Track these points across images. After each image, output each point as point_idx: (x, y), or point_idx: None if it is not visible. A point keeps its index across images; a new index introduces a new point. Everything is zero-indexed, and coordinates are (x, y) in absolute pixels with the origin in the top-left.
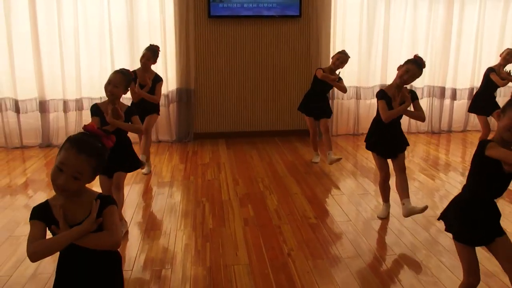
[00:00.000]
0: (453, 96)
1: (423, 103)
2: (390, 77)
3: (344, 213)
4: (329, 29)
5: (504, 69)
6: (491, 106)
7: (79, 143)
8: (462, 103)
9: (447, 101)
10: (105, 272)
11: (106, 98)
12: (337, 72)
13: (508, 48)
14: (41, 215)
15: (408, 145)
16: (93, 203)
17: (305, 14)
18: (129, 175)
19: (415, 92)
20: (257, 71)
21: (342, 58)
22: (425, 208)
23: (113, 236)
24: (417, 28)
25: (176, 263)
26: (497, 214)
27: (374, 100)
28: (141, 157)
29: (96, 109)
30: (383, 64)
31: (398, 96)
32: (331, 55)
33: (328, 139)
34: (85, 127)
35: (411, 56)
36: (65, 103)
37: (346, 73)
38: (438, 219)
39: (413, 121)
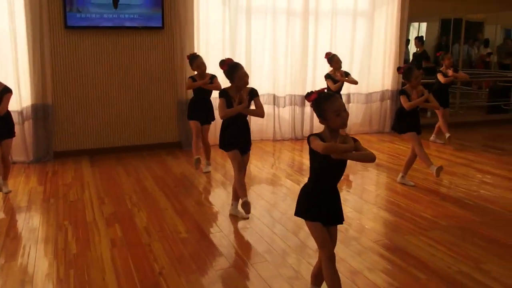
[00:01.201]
0: None
1: (286, 111)
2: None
3: (216, 225)
4: (192, 41)
5: (342, 72)
6: None
7: None
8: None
9: (307, 109)
10: None
11: None
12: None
13: (332, 55)
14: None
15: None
16: None
17: (168, 26)
18: None
19: (256, 90)
20: (120, 84)
21: (197, 62)
22: (247, 218)
23: None
24: (277, 41)
25: None
26: (337, 199)
27: None
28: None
29: None
30: None
31: (236, 96)
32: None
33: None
34: None
35: (273, 68)
36: None
37: None
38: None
39: (277, 129)
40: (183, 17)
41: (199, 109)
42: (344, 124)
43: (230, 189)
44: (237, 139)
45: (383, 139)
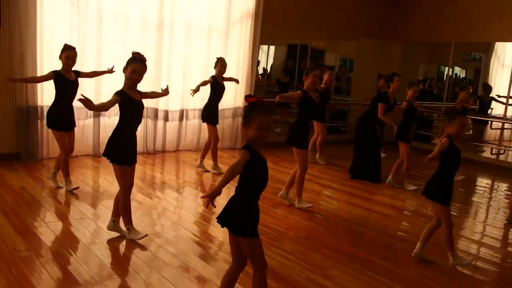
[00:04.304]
0: (166, 118)
1: None
2: (105, 88)
3: (59, 241)
4: (35, 42)
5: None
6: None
7: None
8: (174, 124)
9: (160, 122)
10: None
11: None
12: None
13: (219, 59)
14: None
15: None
16: None
17: (6, 23)
18: None
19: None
20: None
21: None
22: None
23: None
24: (128, 51)
25: None
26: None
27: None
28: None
29: None
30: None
31: (136, 94)
32: (39, 65)
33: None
34: None
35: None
36: None
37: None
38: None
39: None
40: (23, 15)
41: (65, 114)
42: (259, 140)
43: (78, 204)
44: (130, 152)
45: (234, 155)
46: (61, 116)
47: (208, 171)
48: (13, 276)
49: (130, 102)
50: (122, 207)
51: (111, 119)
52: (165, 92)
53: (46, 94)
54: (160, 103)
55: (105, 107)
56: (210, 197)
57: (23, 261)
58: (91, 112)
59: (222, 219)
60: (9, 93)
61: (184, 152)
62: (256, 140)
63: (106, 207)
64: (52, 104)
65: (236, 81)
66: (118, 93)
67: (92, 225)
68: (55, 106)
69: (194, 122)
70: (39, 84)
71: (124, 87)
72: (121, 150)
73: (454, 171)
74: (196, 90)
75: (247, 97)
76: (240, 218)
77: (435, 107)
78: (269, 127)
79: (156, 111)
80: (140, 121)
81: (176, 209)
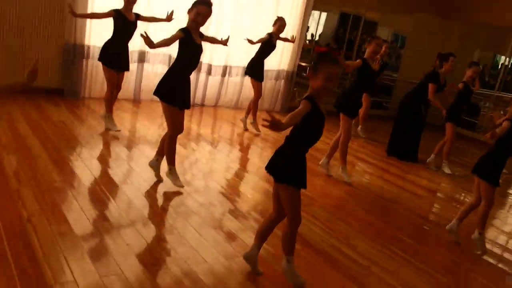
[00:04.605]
0: (209, 72)
1: None
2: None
3: (94, 177)
4: None
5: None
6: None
7: None
8: (216, 79)
9: (202, 75)
10: None
11: None
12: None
13: (280, 18)
14: None
15: None
16: None
17: None
18: None
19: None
20: None
21: None
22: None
23: None
24: (179, 9)
25: None
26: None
27: None
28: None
29: None
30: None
31: (197, 36)
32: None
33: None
34: None
35: (169, 32)
36: None
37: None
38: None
39: None
40: None
41: (116, 51)
42: (325, 91)
43: (114, 145)
44: (181, 95)
45: None
46: (115, 55)
47: (247, 130)
48: (45, 203)
49: (190, 43)
50: (167, 148)
51: (155, 66)
52: (225, 42)
53: (94, 33)
54: (205, 57)
55: (167, 42)
56: (271, 122)
57: (57, 191)
58: (136, 57)
59: (271, 168)
60: (57, 29)
61: (222, 108)
62: (322, 90)
63: (141, 151)
64: (107, 41)
65: (292, 40)
66: (182, 30)
67: (126, 166)
68: (110, 44)
69: (236, 80)
70: (88, 23)
71: (188, 27)
72: (173, 90)
73: (510, 154)
74: (250, 41)
75: (317, 47)
76: (292, 169)
77: (485, 95)
78: (338, 78)
79: (200, 63)
80: (196, 65)
81: (209, 161)
